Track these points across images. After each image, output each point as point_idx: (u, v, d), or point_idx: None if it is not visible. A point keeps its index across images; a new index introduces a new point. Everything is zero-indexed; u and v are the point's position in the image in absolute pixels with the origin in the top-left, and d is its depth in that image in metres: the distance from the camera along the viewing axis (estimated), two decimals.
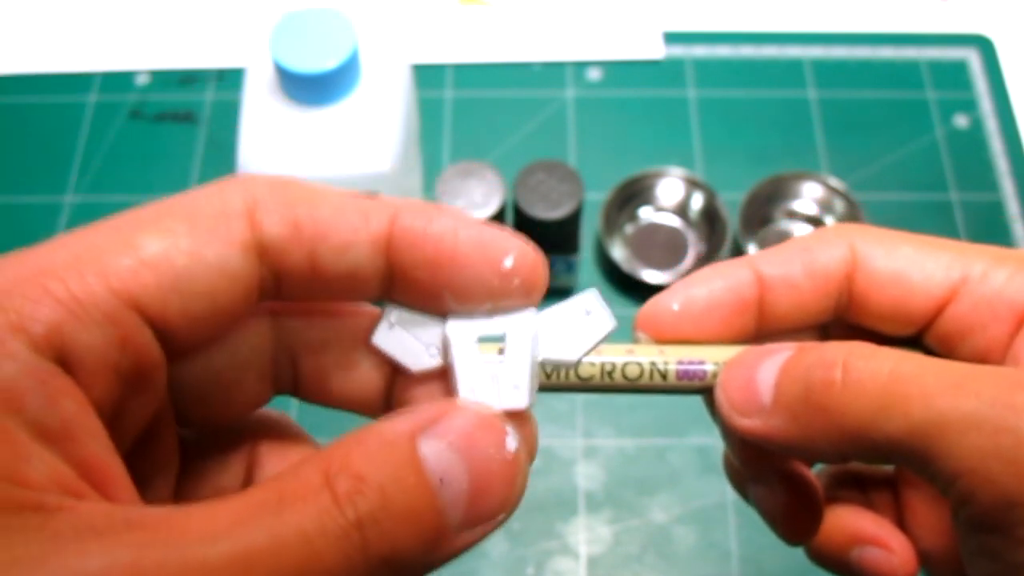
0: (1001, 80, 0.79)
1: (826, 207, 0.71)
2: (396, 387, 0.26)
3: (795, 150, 0.76)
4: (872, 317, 0.30)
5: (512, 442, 0.22)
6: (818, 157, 0.75)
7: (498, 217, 0.64)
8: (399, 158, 0.59)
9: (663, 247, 0.70)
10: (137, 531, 0.18)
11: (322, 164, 0.57)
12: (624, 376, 0.28)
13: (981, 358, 0.28)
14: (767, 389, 0.26)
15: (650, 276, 0.68)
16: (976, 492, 0.23)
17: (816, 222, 0.71)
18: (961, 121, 0.77)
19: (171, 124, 0.77)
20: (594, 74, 0.79)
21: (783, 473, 0.31)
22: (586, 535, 0.61)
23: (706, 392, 0.28)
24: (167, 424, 0.25)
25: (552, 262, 0.65)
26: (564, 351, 0.25)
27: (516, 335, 0.24)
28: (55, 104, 0.78)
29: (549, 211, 0.62)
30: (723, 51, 0.81)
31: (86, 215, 0.71)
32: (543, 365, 0.26)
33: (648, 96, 0.79)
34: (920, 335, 0.30)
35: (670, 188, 0.71)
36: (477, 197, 0.63)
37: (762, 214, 0.71)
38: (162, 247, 0.21)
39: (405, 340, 0.25)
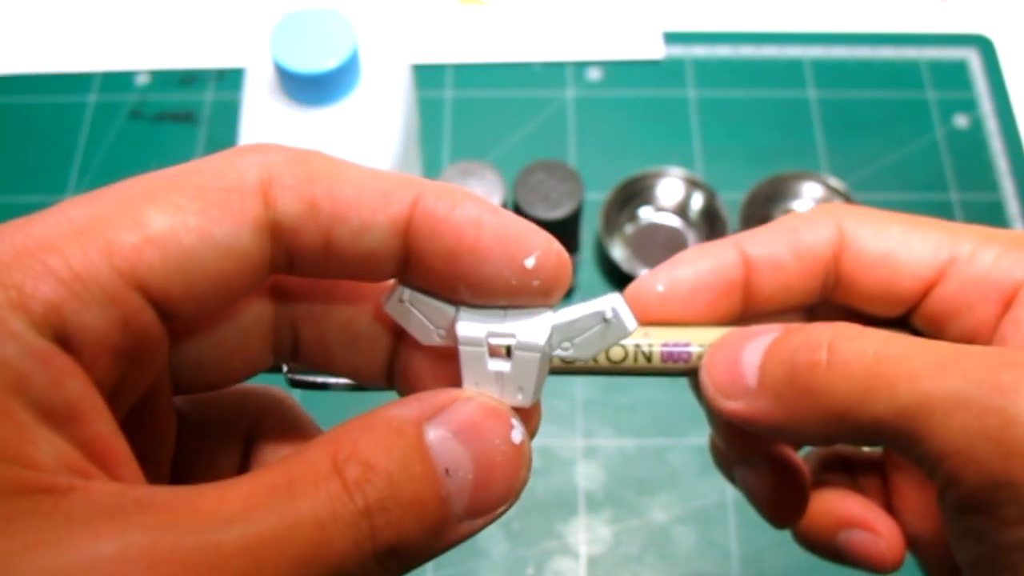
0: (1001, 80, 0.79)
1: None
2: (400, 359, 0.25)
3: (795, 150, 0.76)
4: (859, 298, 0.29)
5: (517, 434, 0.22)
6: (818, 157, 0.75)
7: None
8: (399, 158, 0.59)
9: (663, 247, 0.70)
10: (148, 513, 0.18)
11: None
12: (608, 358, 0.28)
13: (969, 339, 0.28)
14: (752, 371, 0.26)
15: None
16: (962, 473, 0.23)
17: None
18: (961, 121, 0.77)
19: (171, 124, 0.77)
20: (594, 74, 0.79)
21: (769, 456, 0.31)
22: (586, 535, 0.61)
23: (691, 374, 0.28)
24: (165, 396, 0.24)
25: None
26: (576, 352, 0.24)
27: (527, 339, 0.23)
28: (55, 104, 0.78)
29: (549, 211, 0.62)
30: (723, 51, 0.81)
31: None
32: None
33: (648, 96, 0.79)
34: (907, 316, 0.29)
35: (670, 188, 0.72)
36: None
37: (762, 214, 0.71)
38: (170, 224, 0.20)
39: (415, 318, 0.24)
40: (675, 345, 0.28)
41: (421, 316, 0.24)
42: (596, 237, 0.71)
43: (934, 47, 0.81)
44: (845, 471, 0.34)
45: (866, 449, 0.34)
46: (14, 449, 0.18)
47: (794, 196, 0.72)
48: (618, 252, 0.69)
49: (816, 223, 0.29)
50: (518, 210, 0.63)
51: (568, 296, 0.66)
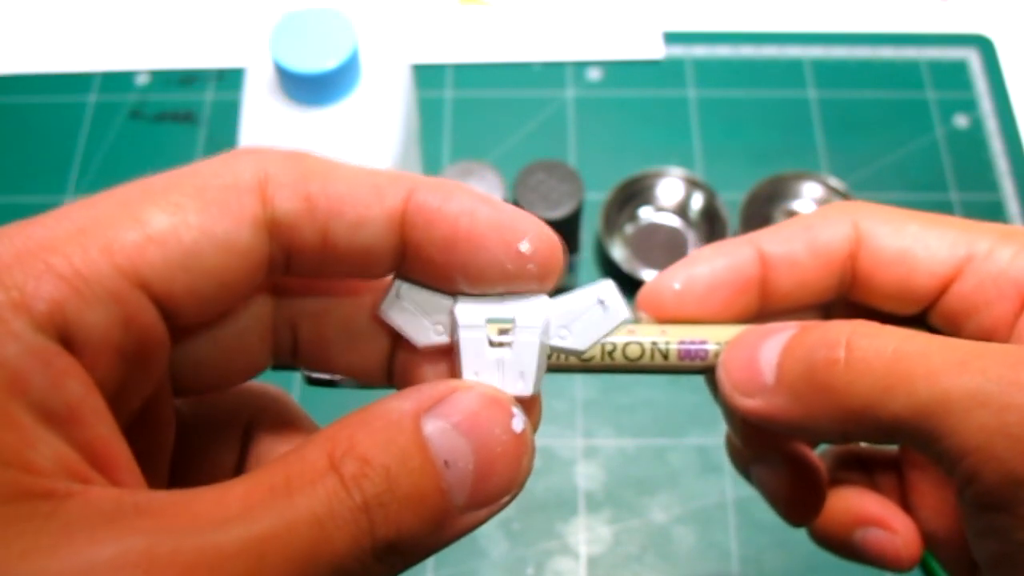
0: (1001, 80, 0.79)
1: None
2: (398, 358, 0.26)
3: (795, 150, 0.76)
4: (876, 296, 0.29)
5: (518, 423, 0.22)
6: (818, 157, 0.75)
7: None
8: (399, 158, 0.59)
9: (663, 247, 0.70)
10: (147, 518, 0.18)
11: None
12: (625, 356, 0.27)
13: (986, 336, 0.28)
14: (769, 369, 0.26)
15: (650, 276, 0.67)
16: (982, 471, 0.23)
17: None
18: (961, 121, 0.77)
19: (171, 124, 0.77)
20: (594, 74, 0.79)
21: (786, 454, 0.31)
22: (586, 535, 0.61)
23: (708, 372, 0.28)
24: (165, 398, 0.24)
25: None
26: (573, 340, 0.24)
27: (526, 322, 0.23)
28: (55, 104, 0.78)
29: (549, 211, 0.62)
30: (723, 51, 0.81)
31: None
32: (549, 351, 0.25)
33: (648, 96, 0.79)
34: (925, 314, 0.29)
35: (670, 188, 0.72)
36: None
37: (762, 214, 0.71)
38: (170, 222, 0.20)
39: (412, 315, 0.24)
40: (692, 343, 0.28)
41: (418, 313, 0.24)
42: (596, 237, 0.71)
43: (934, 47, 0.81)
44: (861, 469, 0.33)
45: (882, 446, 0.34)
46: (13, 452, 0.17)
47: (794, 196, 0.72)
48: (618, 252, 0.69)
49: (832, 221, 0.29)
50: None
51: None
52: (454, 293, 0.24)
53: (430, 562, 0.60)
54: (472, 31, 0.81)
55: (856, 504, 0.32)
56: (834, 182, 0.71)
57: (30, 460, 0.18)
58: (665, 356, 0.28)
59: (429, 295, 0.24)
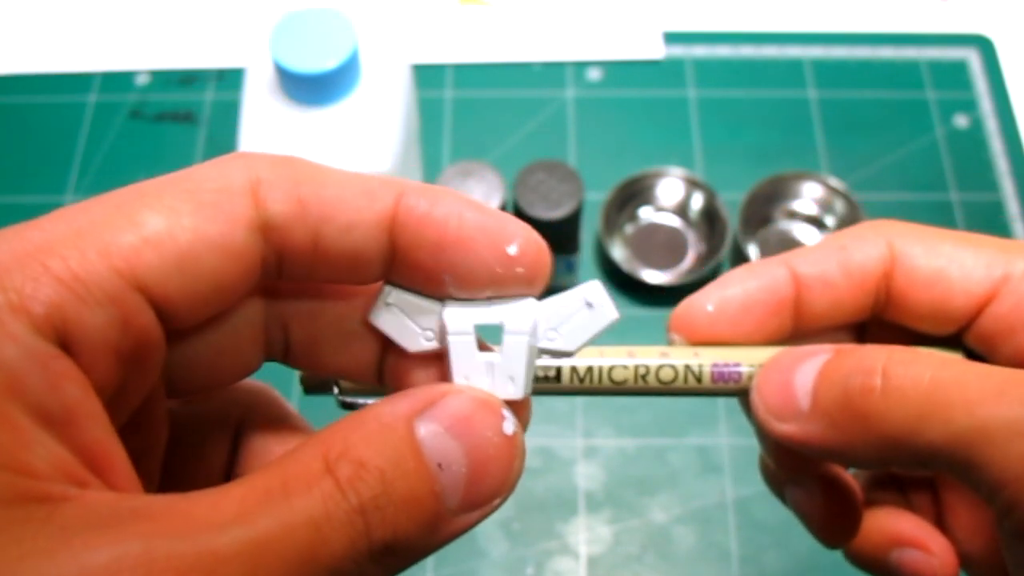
0: (1001, 80, 0.79)
1: (826, 207, 0.71)
2: (389, 360, 0.26)
3: (795, 150, 0.76)
4: (911, 316, 0.29)
5: (509, 425, 0.22)
6: (818, 157, 0.75)
7: None
8: (399, 158, 0.59)
9: (663, 247, 0.70)
10: (144, 522, 0.18)
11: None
12: (658, 379, 0.27)
13: (1023, 359, 0.28)
14: (804, 394, 0.26)
15: (650, 276, 0.68)
16: (1022, 500, 0.22)
17: (816, 222, 0.71)
18: (961, 121, 0.77)
19: (171, 124, 0.77)
20: (594, 74, 0.79)
21: (820, 476, 0.31)
22: (586, 535, 0.61)
23: (742, 395, 0.28)
24: (159, 399, 0.24)
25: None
26: (562, 342, 0.24)
27: (514, 326, 0.23)
28: (55, 104, 0.78)
29: (549, 211, 0.62)
30: (723, 51, 0.81)
31: None
32: (541, 361, 0.25)
33: (648, 96, 0.79)
34: (960, 334, 0.29)
35: (670, 188, 0.71)
36: (477, 197, 0.63)
37: (762, 214, 0.71)
38: (165, 224, 0.20)
39: (401, 322, 0.24)
40: (725, 365, 0.28)
41: (407, 319, 0.24)
42: (596, 237, 0.71)
43: (934, 47, 0.81)
44: (896, 488, 0.33)
45: None
46: (10, 455, 0.17)
47: (794, 196, 0.72)
48: (618, 252, 0.69)
49: (866, 240, 0.29)
50: (518, 210, 0.63)
51: None
52: (443, 298, 0.24)
53: (430, 562, 0.60)
54: (472, 31, 0.81)
55: (892, 524, 0.32)
56: (834, 182, 0.71)
57: (27, 463, 0.18)
58: (699, 379, 0.28)
59: (418, 300, 0.24)
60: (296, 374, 0.28)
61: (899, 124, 0.77)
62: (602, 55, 0.80)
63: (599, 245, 0.70)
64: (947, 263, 0.28)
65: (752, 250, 0.70)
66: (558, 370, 0.26)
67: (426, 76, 0.77)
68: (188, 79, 0.79)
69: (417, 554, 0.21)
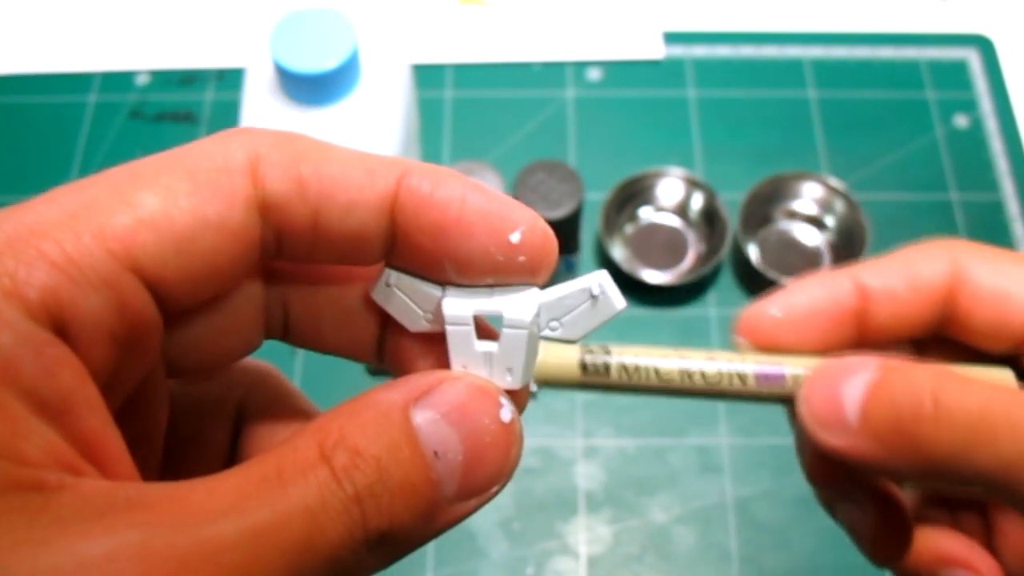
0: (1001, 80, 0.79)
1: (826, 207, 0.71)
2: (389, 339, 0.25)
3: (795, 150, 0.76)
4: (971, 333, 0.29)
5: (507, 412, 0.22)
6: (818, 157, 0.75)
7: None
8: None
9: (663, 247, 0.70)
10: (140, 511, 0.17)
11: None
12: (704, 378, 0.28)
13: None
14: (853, 408, 0.26)
15: (650, 276, 0.68)
16: None
17: (816, 222, 0.71)
18: (961, 121, 0.77)
19: (171, 124, 0.77)
20: (594, 74, 0.79)
21: (872, 492, 0.31)
22: (586, 535, 0.61)
23: (787, 402, 0.28)
24: (159, 380, 0.24)
25: None
26: (565, 331, 0.24)
27: (513, 316, 0.23)
28: (55, 104, 0.78)
29: (549, 211, 0.62)
30: (723, 51, 0.81)
31: None
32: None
33: (648, 96, 0.79)
34: (1018, 354, 0.29)
35: (670, 188, 0.71)
36: None
37: (762, 214, 0.71)
38: (161, 205, 0.20)
39: (402, 303, 0.24)
40: (769, 368, 0.28)
41: (408, 300, 0.24)
42: (596, 237, 0.71)
43: (934, 47, 0.81)
44: (944, 507, 0.34)
45: None
46: (4, 443, 0.17)
47: (794, 196, 0.72)
48: (618, 252, 0.69)
49: (933, 257, 0.30)
50: None
51: None
52: (444, 283, 0.23)
53: (430, 562, 0.60)
54: (472, 31, 0.81)
55: (941, 544, 0.32)
56: (834, 182, 0.71)
57: (22, 450, 0.17)
58: (743, 380, 0.28)
59: (419, 284, 0.23)
60: (299, 354, 0.27)
61: (899, 124, 0.77)
62: (602, 55, 0.80)
63: (599, 245, 0.70)
64: (1011, 283, 0.29)
65: (752, 250, 0.70)
66: (607, 365, 0.26)
67: (426, 76, 0.77)
68: (188, 79, 0.79)
69: (414, 543, 0.21)
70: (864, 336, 0.30)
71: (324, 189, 0.21)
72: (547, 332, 0.24)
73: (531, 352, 0.23)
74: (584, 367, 0.27)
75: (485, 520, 0.61)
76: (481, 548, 0.60)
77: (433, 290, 0.23)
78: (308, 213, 0.21)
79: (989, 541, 0.32)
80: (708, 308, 0.69)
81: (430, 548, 0.60)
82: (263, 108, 0.58)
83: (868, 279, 0.30)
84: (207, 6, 0.82)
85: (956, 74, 0.80)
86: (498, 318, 0.23)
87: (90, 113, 0.77)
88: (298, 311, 0.25)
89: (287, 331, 0.26)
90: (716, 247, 0.68)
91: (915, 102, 0.78)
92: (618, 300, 0.24)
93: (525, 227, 0.22)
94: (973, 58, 0.80)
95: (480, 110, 0.77)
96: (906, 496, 0.33)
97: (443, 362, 0.23)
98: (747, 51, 0.81)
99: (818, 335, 0.29)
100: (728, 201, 0.70)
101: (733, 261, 0.71)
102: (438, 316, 0.23)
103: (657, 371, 0.27)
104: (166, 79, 0.79)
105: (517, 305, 0.23)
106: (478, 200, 0.22)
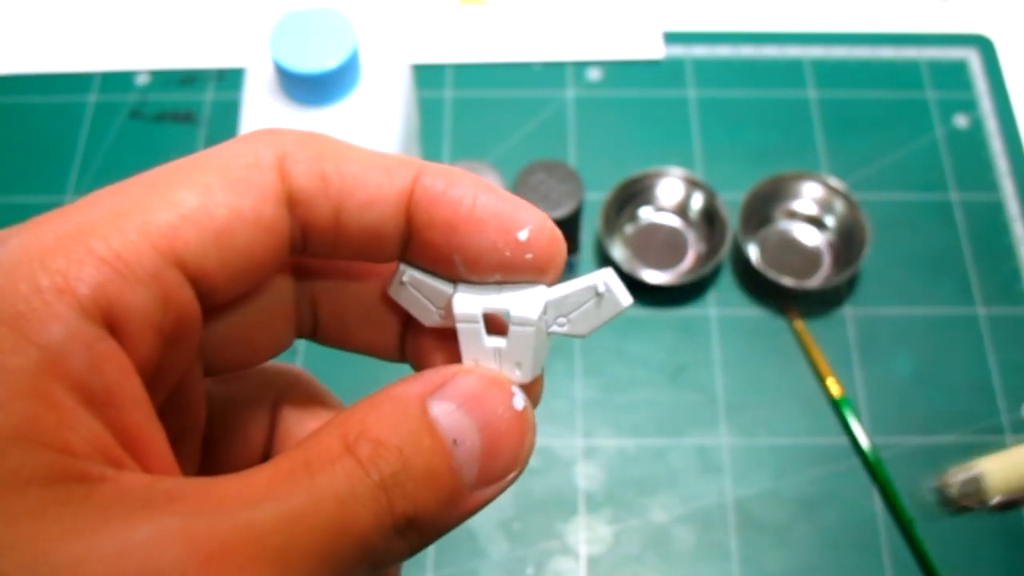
0: (1001, 80, 0.79)
1: (826, 207, 0.71)
2: (409, 337, 0.26)
3: (795, 150, 0.76)
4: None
5: (519, 400, 0.23)
6: (818, 157, 0.75)
7: None
8: None
9: (663, 247, 0.70)
10: (178, 502, 0.18)
11: None
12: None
13: None
14: None
15: (650, 276, 0.68)
16: None
17: (816, 222, 0.71)
18: (961, 121, 0.77)
19: (171, 124, 0.77)
20: (594, 74, 0.79)
21: None
22: (586, 535, 0.61)
23: None
24: (197, 377, 0.25)
25: None
26: (573, 327, 0.25)
27: (520, 313, 0.24)
28: (55, 104, 0.78)
29: (549, 211, 0.62)
30: (723, 51, 0.81)
31: None
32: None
33: (648, 96, 0.79)
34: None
35: (670, 188, 0.72)
36: None
37: (762, 214, 0.71)
38: (200, 201, 0.21)
39: (416, 299, 0.25)
40: None
41: (421, 297, 0.25)
42: (596, 237, 0.71)
43: (934, 47, 0.81)
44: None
45: None
46: (52, 433, 0.18)
47: (794, 196, 0.72)
48: (618, 252, 0.69)
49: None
50: None
51: None
52: (456, 280, 0.24)
53: (430, 562, 0.60)
54: (472, 31, 0.81)
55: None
56: (834, 182, 0.71)
57: (68, 441, 0.18)
58: None
59: (432, 281, 0.24)
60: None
61: (899, 124, 0.77)
62: (602, 55, 0.80)
63: (599, 245, 0.70)
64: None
65: (752, 250, 0.70)
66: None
67: (426, 76, 0.77)
68: (188, 79, 0.79)
69: (439, 529, 0.21)
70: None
71: (346, 186, 0.22)
72: (555, 328, 0.25)
73: (539, 347, 0.24)
74: None
75: (485, 520, 0.61)
76: (481, 548, 0.60)
77: (445, 287, 0.24)
78: (331, 208, 0.22)
79: None
80: (708, 308, 0.69)
81: (430, 548, 0.60)
82: (263, 108, 0.58)
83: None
84: (207, 6, 0.82)
85: (956, 74, 0.80)
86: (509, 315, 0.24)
87: (90, 113, 0.77)
88: (326, 310, 0.26)
89: (316, 330, 0.27)
90: (716, 247, 0.68)
91: (915, 102, 0.78)
92: (624, 297, 0.24)
93: (533, 226, 0.23)
94: (973, 58, 0.80)
95: (480, 110, 0.77)
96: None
97: (457, 358, 0.25)
98: (747, 51, 0.81)
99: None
100: (728, 201, 0.70)
101: (733, 261, 0.71)
102: (449, 312, 0.24)
103: None
104: (166, 79, 0.79)
105: (524, 302, 0.24)
106: (488, 199, 0.23)
